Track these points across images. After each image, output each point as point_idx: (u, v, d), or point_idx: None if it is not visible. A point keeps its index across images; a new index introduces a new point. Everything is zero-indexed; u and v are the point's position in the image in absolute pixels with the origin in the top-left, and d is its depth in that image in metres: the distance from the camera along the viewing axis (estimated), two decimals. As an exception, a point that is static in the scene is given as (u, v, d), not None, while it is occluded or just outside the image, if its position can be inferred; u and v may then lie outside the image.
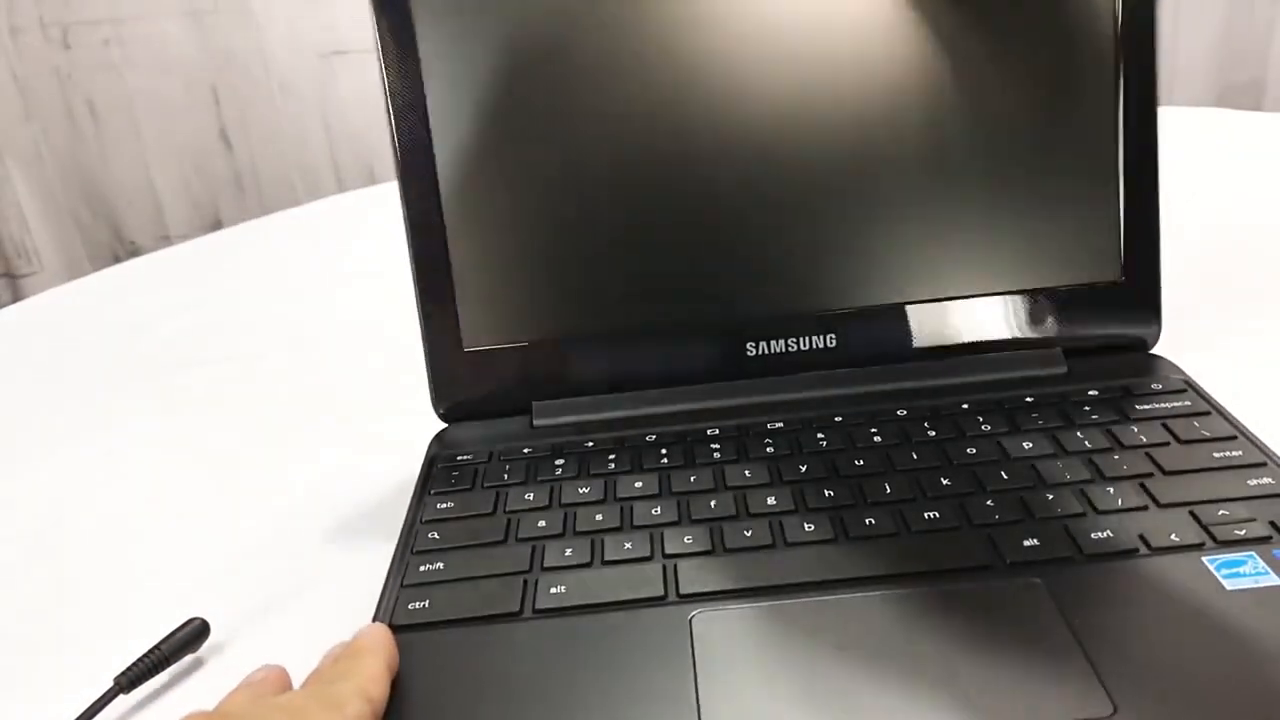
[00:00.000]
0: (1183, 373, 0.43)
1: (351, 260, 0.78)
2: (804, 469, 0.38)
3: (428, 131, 0.44)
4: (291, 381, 0.57)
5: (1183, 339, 0.46)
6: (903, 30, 0.43)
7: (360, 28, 1.73)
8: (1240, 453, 0.37)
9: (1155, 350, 0.45)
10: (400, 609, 0.34)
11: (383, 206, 0.92)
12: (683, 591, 0.33)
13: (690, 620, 0.32)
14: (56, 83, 1.76)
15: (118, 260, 1.76)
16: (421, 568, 0.35)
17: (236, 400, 0.56)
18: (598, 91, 0.44)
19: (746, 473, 0.39)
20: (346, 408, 0.53)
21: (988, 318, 0.44)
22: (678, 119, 0.44)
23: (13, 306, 0.81)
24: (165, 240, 1.83)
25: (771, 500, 0.37)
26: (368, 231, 0.86)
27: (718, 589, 0.33)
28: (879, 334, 0.44)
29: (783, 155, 0.44)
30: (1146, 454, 0.37)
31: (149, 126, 1.79)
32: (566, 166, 0.44)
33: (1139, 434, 0.38)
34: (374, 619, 0.33)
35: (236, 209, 1.83)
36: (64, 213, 1.83)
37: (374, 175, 1.81)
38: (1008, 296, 0.44)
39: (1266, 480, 0.35)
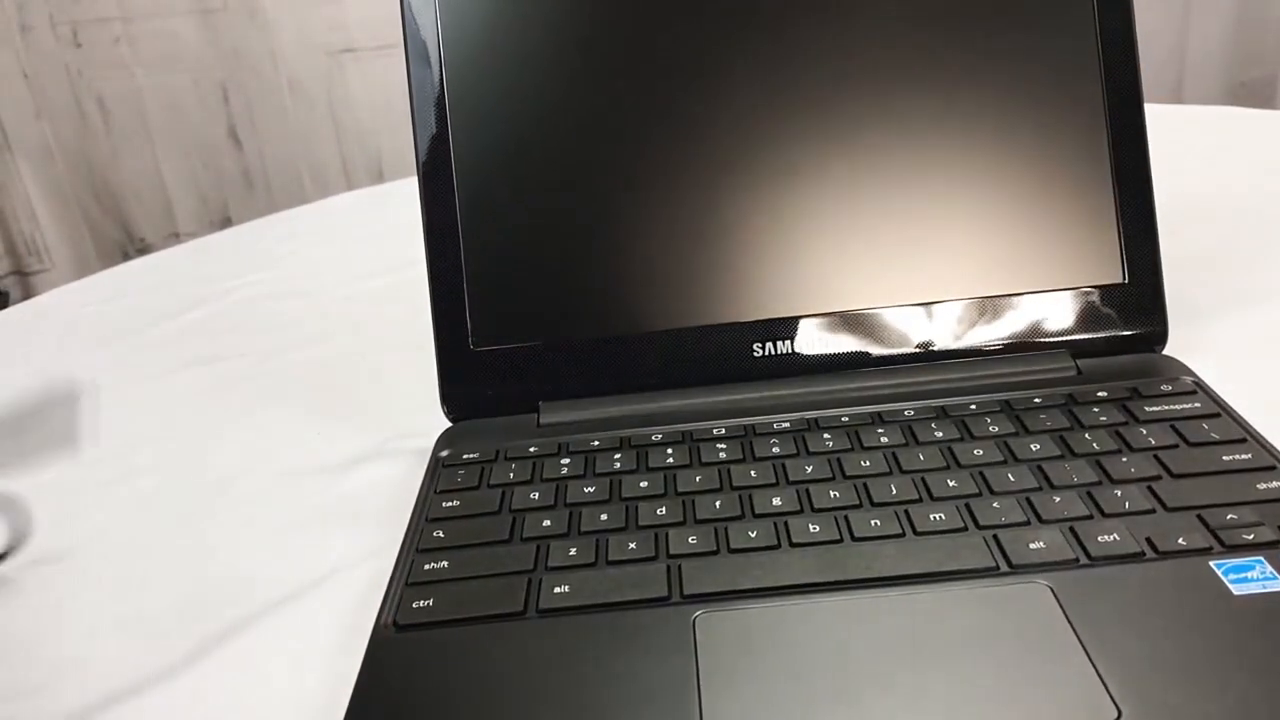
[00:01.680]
0: (1193, 374, 0.42)
1: (360, 258, 0.78)
2: (809, 469, 0.38)
3: (446, 134, 0.45)
4: (300, 379, 0.58)
5: (1195, 340, 0.46)
6: (905, 44, 0.44)
7: (369, 26, 1.73)
8: (1249, 456, 0.36)
9: (1167, 351, 0.45)
10: (405, 607, 0.34)
11: (391, 204, 0.92)
12: (687, 592, 0.33)
13: (694, 621, 0.32)
14: (67, 80, 1.77)
15: (127, 257, 1.78)
16: (426, 566, 0.36)
17: (244, 399, 0.56)
18: (610, 97, 0.45)
19: (752, 473, 0.39)
20: (355, 405, 0.53)
21: (994, 319, 0.44)
22: (688, 124, 0.45)
23: (23, 303, 0.81)
24: (174, 237, 1.84)
25: (776, 501, 0.37)
26: (376, 230, 0.86)
27: (722, 590, 0.33)
28: (885, 336, 0.45)
29: (789, 159, 0.45)
30: (1155, 456, 0.37)
31: (159, 124, 1.80)
32: (578, 170, 0.45)
33: (1147, 436, 0.38)
34: (378, 617, 0.34)
35: (245, 206, 1.84)
36: (74, 210, 1.84)
37: (382, 173, 1.82)
38: (1013, 298, 0.44)
39: (1276, 484, 0.35)
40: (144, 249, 1.85)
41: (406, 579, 0.35)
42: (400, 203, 0.89)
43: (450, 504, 0.39)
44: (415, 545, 0.37)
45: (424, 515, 0.39)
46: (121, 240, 1.87)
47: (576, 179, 0.45)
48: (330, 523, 0.43)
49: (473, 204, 0.45)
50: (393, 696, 0.30)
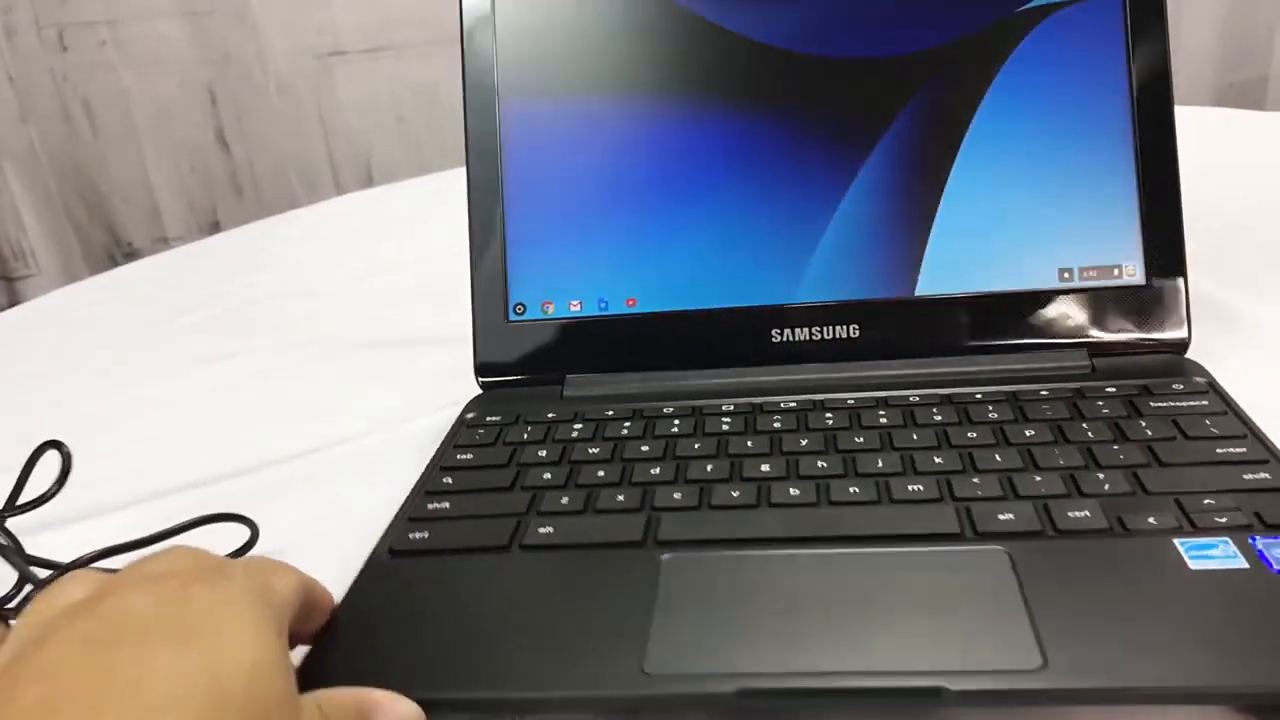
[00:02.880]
0: (1209, 375, 0.45)
1: (355, 261, 0.83)
2: (804, 443, 0.43)
3: (495, 112, 0.52)
4: (294, 381, 0.62)
5: (1223, 344, 0.48)
6: (933, 42, 0.48)
7: (358, 29, 1.78)
8: (1244, 450, 0.39)
9: (1192, 355, 0.46)
10: (400, 536, 0.40)
11: (382, 208, 0.96)
12: (660, 538, 0.38)
13: (660, 561, 0.36)
14: (53, 84, 1.82)
15: (115, 262, 1.81)
16: (430, 505, 0.42)
17: (245, 399, 0.60)
18: (653, 80, 0.51)
19: (749, 444, 0.44)
20: (357, 405, 0.57)
21: (1011, 315, 0.48)
22: (720, 112, 0.50)
23: (24, 304, 0.84)
24: (162, 242, 1.88)
25: (765, 467, 0.42)
26: (368, 233, 0.91)
27: (692, 538, 0.37)
28: (901, 326, 0.49)
29: (816, 152, 0.50)
30: (1148, 447, 0.39)
31: (146, 128, 1.84)
32: (620, 154, 0.51)
33: (1145, 428, 0.41)
34: (376, 546, 0.39)
35: (234, 211, 1.88)
36: (60, 214, 1.89)
37: (371, 176, 1.86)
38: (1032, 294, 0.48)
39: (1263, 475, 0.37)
40: (131, 253, 1.89)
41: (409, 515, 0.41)
42: (391, 206, 0.92)
43: (464, 456, 0.45)
44: (423, 487, 0.43)
45: (438, 464, 0.45)
46: (109, 244, 1.91)
47: (618, 162, 0.51)
48: (353, 484, 0.46)
49: (517, 182, 0.51)
50: (376, 611, 0.36)
